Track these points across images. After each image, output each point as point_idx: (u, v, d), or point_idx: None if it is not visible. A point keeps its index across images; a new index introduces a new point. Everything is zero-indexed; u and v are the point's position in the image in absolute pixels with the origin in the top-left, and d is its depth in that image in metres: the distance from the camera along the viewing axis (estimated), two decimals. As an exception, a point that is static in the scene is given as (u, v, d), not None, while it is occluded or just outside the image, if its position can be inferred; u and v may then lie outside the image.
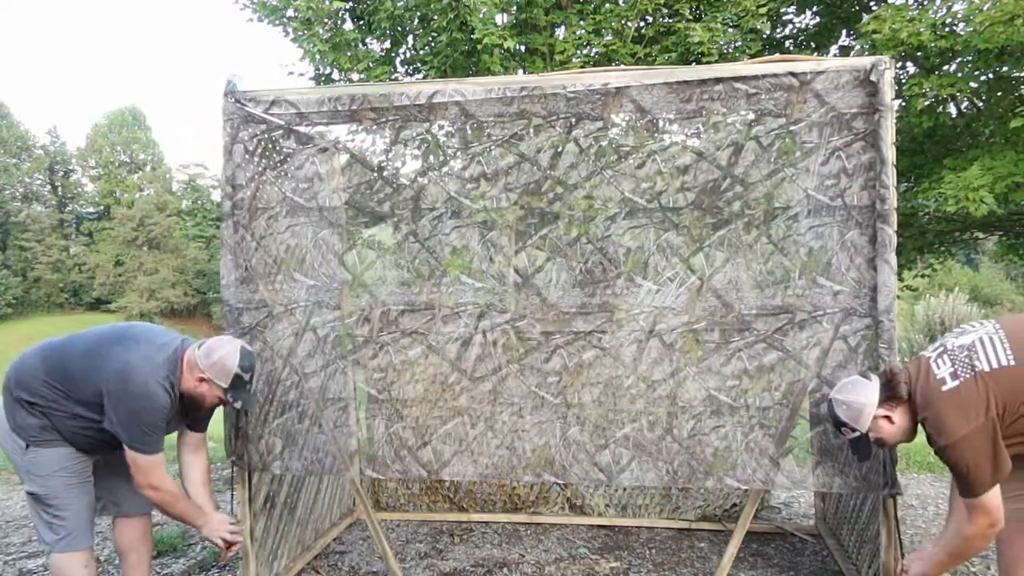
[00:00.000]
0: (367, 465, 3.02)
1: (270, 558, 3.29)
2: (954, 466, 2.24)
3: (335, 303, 2.99)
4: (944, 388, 2.23)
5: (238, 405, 2.67)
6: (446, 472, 2.95)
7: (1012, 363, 2.18)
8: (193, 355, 2.59)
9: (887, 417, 2.36)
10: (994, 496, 2.21)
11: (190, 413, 2.73)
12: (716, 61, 5.99)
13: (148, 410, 2.46)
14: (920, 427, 2.38)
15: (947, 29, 5.40)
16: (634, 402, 2.85)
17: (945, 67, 6.08)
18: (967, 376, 2.20)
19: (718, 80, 2.67)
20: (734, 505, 4.05)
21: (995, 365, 2.19)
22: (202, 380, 2.58)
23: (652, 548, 3.78)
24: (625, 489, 4.15)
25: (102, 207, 56.70)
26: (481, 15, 6.25)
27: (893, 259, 2.57)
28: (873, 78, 2.57)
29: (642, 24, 6.68)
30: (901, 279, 7.98)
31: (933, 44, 5.28)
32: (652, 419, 2.84)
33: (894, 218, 2.58)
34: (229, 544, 2.78)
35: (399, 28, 7.24)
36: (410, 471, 2.96)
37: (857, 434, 2.41)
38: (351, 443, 3.09)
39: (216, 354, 2.57)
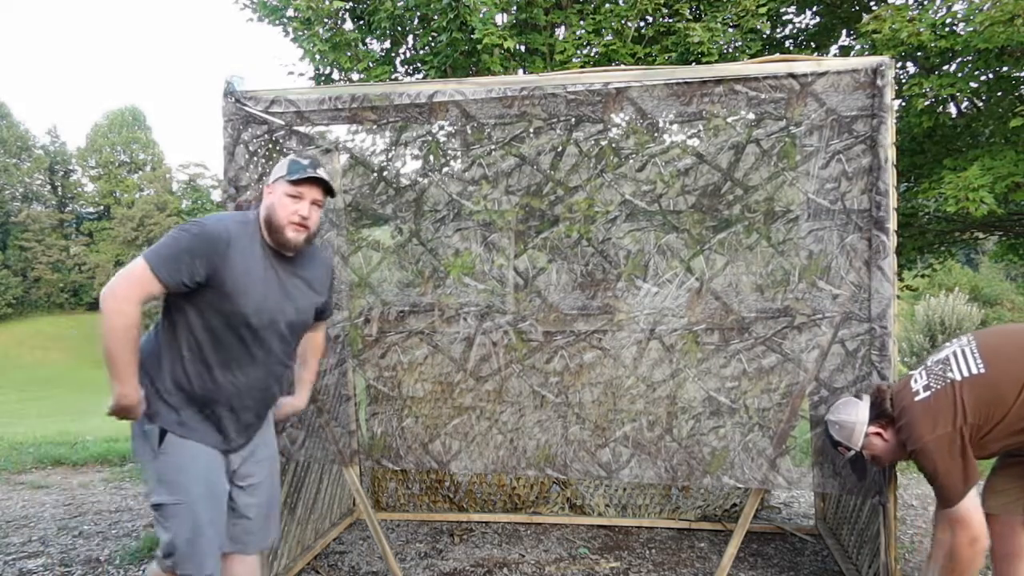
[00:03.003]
0: (382, 456, 3.08)
1: (270, 558, 3.29)
2: (923, 470, 2.35)
3: (343, 304, 3.02)
4: (916, 399, 2.35)
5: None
6: (454, 465, 3.02)
7: (983, 371, 2.28)
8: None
9: (879, 434, 2.47)
10: (971, 507, 2.28)
11: (292, 281, 2.33)
12: (716, 61, 5.99)
13: (189, 234, 2.13)
14: None
15: (947, 29, 5.39)
16: (634, 402, 2.87)
17: (945, 67, 6.08)
18: (939, 387, 2.32)
19: (718, 82, 2.67)
20: (734, 505, 4.06)
21: (966, 374, 2.30)
22: (270, 192, 2.29)
23: (652, 548, 3.79)
24: (625, 489, 4.16)
25: (102, 207, 56.69)
26: (481, 15, 6.24)
27: (888, 265, 2.58)
28: (875, 80, 2.57)
29: (642, 24, 6.67)
30: (901, 279, 7.97)
31: (933, 44, 5.27)
32: (652, 419, 2.86)
33: (891, 224, 2.58)
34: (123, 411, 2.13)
35: (399, 28, 7.24)
36: (422, 463, 3.04)
37: (852, 452, 2.52)
38: (353, 441, 3.11)
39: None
